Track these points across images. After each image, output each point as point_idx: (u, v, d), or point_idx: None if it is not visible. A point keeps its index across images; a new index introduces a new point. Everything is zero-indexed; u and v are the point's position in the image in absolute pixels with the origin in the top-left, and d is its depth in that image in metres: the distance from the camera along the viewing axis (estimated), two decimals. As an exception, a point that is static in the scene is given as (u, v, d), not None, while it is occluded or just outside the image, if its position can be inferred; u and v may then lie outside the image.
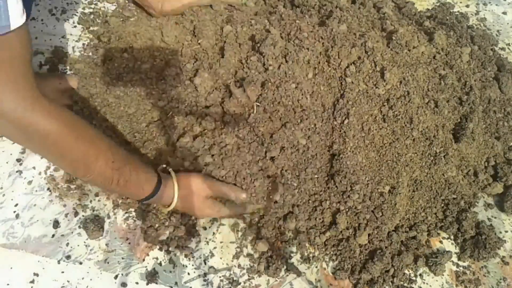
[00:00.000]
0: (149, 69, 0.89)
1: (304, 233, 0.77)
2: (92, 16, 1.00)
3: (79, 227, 0.76)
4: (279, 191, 0.76)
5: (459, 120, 0.89)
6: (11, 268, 0.71)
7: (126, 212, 0.78)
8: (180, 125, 0.81)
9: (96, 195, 0.79)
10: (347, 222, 0.78)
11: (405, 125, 0.82)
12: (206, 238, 0.77)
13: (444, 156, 0.84)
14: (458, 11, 1.15)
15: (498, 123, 0.94)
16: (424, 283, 0.77)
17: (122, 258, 0.74)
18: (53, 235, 0.74)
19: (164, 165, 0.76)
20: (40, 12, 1.01)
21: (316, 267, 0.76)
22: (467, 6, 1.19)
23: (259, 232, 0.76)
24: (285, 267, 0.75)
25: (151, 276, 0.72)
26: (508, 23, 1.17)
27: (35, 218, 0.76)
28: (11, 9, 0.51)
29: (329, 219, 0.78)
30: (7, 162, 0.81)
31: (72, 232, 0.75)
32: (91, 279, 0.71)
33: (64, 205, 0.77)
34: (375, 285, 0.74)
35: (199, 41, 0.90)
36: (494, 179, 0.89)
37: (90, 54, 0.93)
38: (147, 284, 0.72)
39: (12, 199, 0.77)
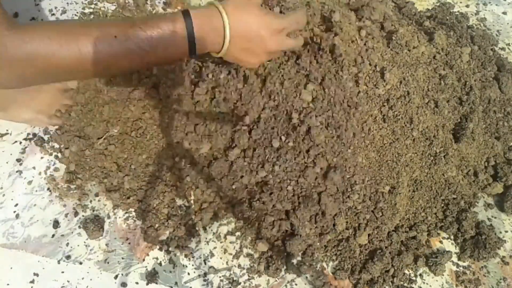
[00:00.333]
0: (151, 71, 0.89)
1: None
2: (92, 16, 1.00)
3: (79, 227, 0.76)
4: None
5: (459, 120, 0.89)
6: (11, 268, 0.71)
7: (126, 212, 0.78)
8: (180, 125, 0.81)
9: (96, 195, 0.79)
10: (347, 223, 0.78)
11: (405, 125, 0.82)
12: (206, 238, 0.77)
13: (444, 156, 0.84)
14: (458, 11, 1.15)
15: (498, 123, 0.94)
16: (424, 283, 0.77)
17: (122, 258, 0.74)
18: (53, 235, 0.75)
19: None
20: (40, 12, 1.01)
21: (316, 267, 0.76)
22: (467, 6, 1.19)
23: (259, 232, 0.76)
24: (285, 267, 0.75)
25: (151, 276, 0.72)
26: (508, 23, 1.17)
27: (35, 218, 0.76)
28: None
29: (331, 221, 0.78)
30: (7, 162, 0.81)
31: (72, 232, 0.75)
32: (91, 279, 0.71)
33: (64, 205, 0.78)
34: (375, 285, 0.74)
35: None
36: (494, 179, 0.89)
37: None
38: (147, 284, 0.72)
39: (12, 199, 0.77)
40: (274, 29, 0.64)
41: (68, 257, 0.73)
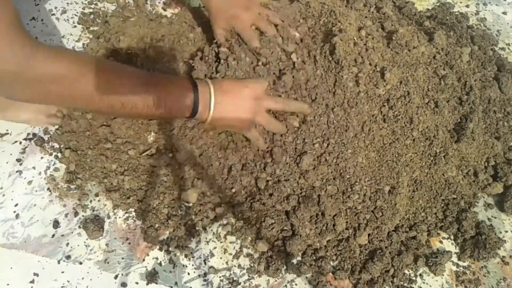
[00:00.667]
0: (149, 69, 0.89)
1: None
2: (92, 16, 1.00)
3: (79, 227, 0.76)
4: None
5: (459, 120, 0.89)
6: (11, 268, 0.71)
7: (126, 212, 0.78)
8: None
9: (96, 195, 0.79)
10: (347, 223, 0.78)
11: (405, 125, 0.82)
12: (206, 238, 0.77)
13: (444, 156, 0.84)
14: (458, 11, 1.15)
15: (498, 123, 0.94)
16: (424, 283, 0.77)
17: (122, 258, 0.74)
18: (53, 235, 0.75)
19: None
20: (40, 12, 1.01)
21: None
22: (467, 6, 1.19)
23: (259, 232, 0.76)
24: (285, 267, 0.75)
25: (151, 276, 0.72)
26: (508, 23, 1.17)
27: (35, 218, 0.76)
28: None
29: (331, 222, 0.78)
30: (7, 162, 0.81)
31: (72, 232, 0.75)
32: (91, 279, 0.71)
33: (64, 205, 0.78)
34: (375, 285, 0.74)
35: None
36: (494, 179, 0.89)
37: (90, 54, 0.93)
38: (147, 284, 0.72)
39: (12, 199, 0.77)
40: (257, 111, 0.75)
41: (68, 257, 0.73)
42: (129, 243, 0.75)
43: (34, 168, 0.81)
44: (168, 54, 0.90)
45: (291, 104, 0.78)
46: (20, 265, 0.71)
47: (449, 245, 0.82)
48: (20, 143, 0.83)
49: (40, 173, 0.80)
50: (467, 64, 0.96)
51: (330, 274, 0.75)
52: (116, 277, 0.72)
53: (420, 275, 0.77)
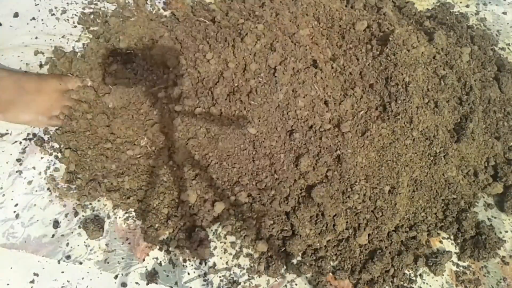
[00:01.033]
0: (149, 68, 0.89)
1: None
2: (92, 16, 1.00)
3: (79, 227, 0.76)
4: None
5: (459, 120, 0.89)
6: (11, 268, 0.71)
7: (126, 212, 0.78)
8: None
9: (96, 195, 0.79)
10: (347, 223, 0.78)
11: (405, 125, 0.82)
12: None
13: (444, 156, 0.84)
14: (458, 11, 1.15)
15: (498, 123, 0.94)
16: (424, 283, 0.77)
17: (122, 258, 0.74)
18: (53, 235, 0.75)
19: None
20: (40, 12, 1.01)
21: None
22: (467, 6, 1.19)
23: (259, 232, 0.76)
24: (285, 267, 0.75)
25: (151, 276, 0.72)
26: (508, 23, 1.17)
27: (35, 218, 0.76)
28: None
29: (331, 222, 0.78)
30: (7, 162, 0.81)
31: (72, 232, 0.75)
32: (91, 279, 0.71)
33: (64, 205, 0.78)
34: (375, 285, 0.74)
35: None
36: (494, 179, 0.89)
37: (90, 54, 0.93)
38: (147, 284, 0.72)
39: (12, 199, 0.77)
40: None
41: (68, 257, 0.73)
42: (129, 243, 0.75)
43: (34, 168, 0.81)
44: (168, 54, 0.90)
45: None
46: (20, 265, 0.71)
47: (449, 245, 0.81)
48: (20, 143, 0.83)
49: (40, 173, 0.80)
50: (467, 64, 0.96)
51: (330, 274, 0.75)
52: (116, 277, 0.72)
53: (420, 275, 0.77)
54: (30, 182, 0.79)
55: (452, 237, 0.82)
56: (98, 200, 0.79)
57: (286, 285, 0.74)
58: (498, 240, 0.81)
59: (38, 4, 1.02)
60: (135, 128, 0.84)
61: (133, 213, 0.78)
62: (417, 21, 1.05)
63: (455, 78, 0.92)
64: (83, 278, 0.71)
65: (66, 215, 0.77)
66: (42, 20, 0.99)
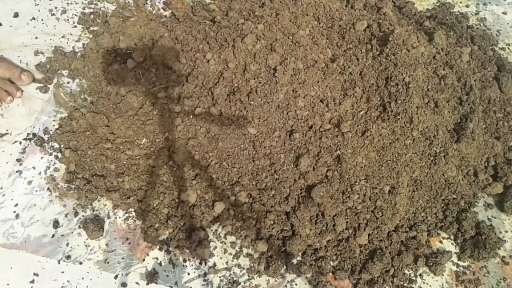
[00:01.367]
0: (149, 68, 0.89)
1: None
2: (92, 16, 1.00)
3: (79, 227, 0.76)
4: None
5: (459, 120, 0.89)
6: (11, 268, 0.71)
7: (126, 212, 0.78)
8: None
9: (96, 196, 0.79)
10: (347, 223, 0.78)
11: (405, 125, 0.82)
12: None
13: (444, 156, 0.84)
14: (458, 11, 1.15)
15: (498, 123, 0.94)
16: (424, 283, 0.77)
17: (122, 258, 0.74)
18: (53, 235, 0.75)
19: None
20: (40, 12, 1.01)
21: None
22: (467, 6, 1.19)
23: (259, 232, 0.76)
24: (285, 267, 0.75)
25: (151, 276, 0.72)
26: (508, 23, 1.17)
27: (35, 218, 0.76)
28: None
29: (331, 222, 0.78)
30: (7, 162, 0.81)
31: (72, 232, 0.75)
32: (91, 279, 0.71)
33: (64, 205, 0.78)
34: (375, 285, 0.74)
35: None
36: (494, 179, 0.89)
37: (90, 53, 0.93)
38: (147, 284, 0.72)
39: (12, 199, 0.77)
40: None
41: (68, 257, 0.73)
42: (129, 243, 0.75)
43: (34, 168, 0.81)
44: (168, 54, 0.90)
45: None
46: (20, 265, 0.71)
47: (449, 245, 0.81)
48: (20, 143, 0.83)
49: (40, 173, 0.80)
50: (467, 64, 0.96)
51: (330, 274, 0.75)
52: (116, 277, 0.72)
53: (420, 275, 0.77)
54: (30, 182, 0.79)
55: (452, 237, 0.82)
56: (98, 200, 0.79)
57: (286, 285, 0.74)
58: (498, 240, 0.81)
59: (38, 4, 1.02)
60: (135, 128, 0.84)
61: (133, 213, 0.78)
62: (417, 21, 1.05)
63: (455, 78, 0.92)
64: (83, 278, 0.71)
65: (66, 215, 0.77)
66: (42, 20, 0.99)
